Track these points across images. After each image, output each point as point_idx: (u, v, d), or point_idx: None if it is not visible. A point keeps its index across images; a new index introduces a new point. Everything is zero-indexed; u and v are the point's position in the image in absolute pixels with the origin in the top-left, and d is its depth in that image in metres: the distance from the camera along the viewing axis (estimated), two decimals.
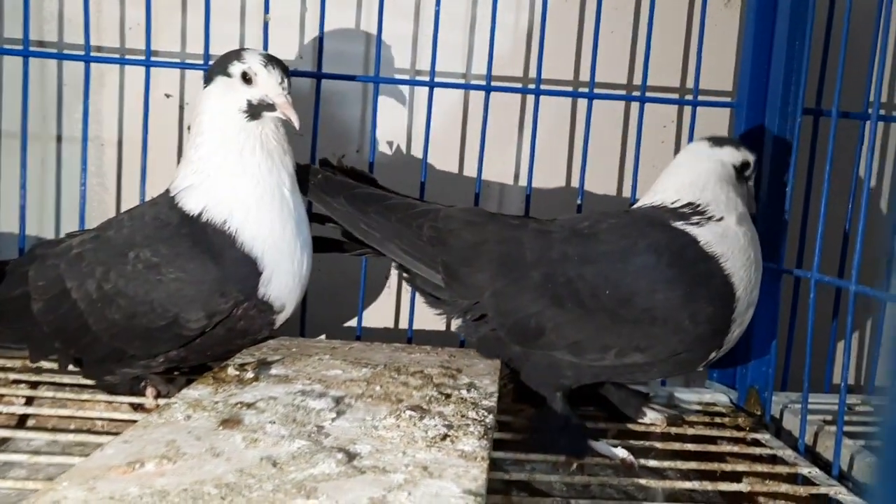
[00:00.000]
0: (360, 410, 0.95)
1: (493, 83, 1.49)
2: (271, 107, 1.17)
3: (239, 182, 1.17)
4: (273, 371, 1.10)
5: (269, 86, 1.17)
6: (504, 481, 1.08)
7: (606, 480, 1.10)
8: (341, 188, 1.29)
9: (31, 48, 1.46)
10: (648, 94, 1.51)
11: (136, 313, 1.14)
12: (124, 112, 1.58)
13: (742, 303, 1.18)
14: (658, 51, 1.52)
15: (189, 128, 1.57)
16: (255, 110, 1.17)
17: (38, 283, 1.20)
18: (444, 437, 0.88)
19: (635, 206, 1.31)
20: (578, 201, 1.52)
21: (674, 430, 1.25)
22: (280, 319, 1.21)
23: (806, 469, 1.15)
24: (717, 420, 1.33)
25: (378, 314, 1.63)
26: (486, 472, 0.80)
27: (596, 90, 1.50)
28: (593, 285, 1.15)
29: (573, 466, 1.11)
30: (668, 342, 1.15)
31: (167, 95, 1.58)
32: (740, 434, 1.27)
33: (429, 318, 1.38)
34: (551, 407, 1.19)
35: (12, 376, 1.28)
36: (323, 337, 1.56)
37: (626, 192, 1.58)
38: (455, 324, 1.28)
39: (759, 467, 1.16)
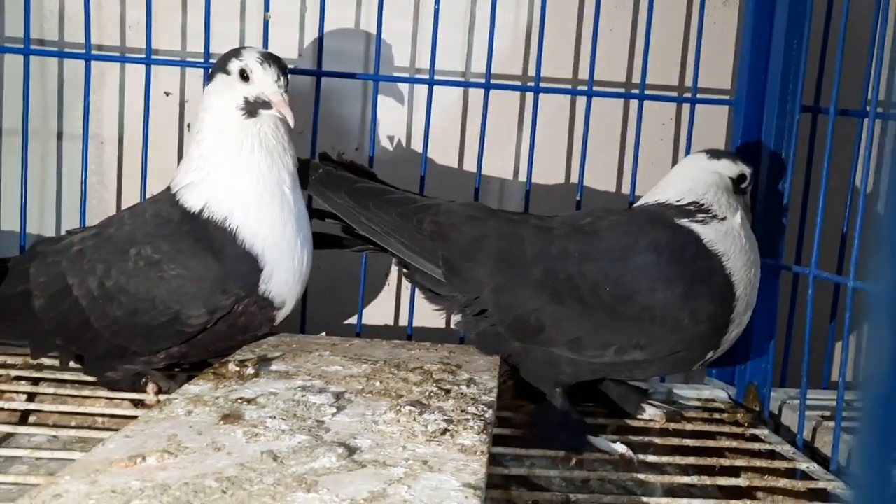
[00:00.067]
0: (360, 406, 0.96)
1: (493, 81, 1.49)
2: (267, 104, 1.18)
3: (239, 180, 1.17)
4: (273, 367, 1.10)
5: (265, 83, 1.17)
6: (504, 476, 1.09)
7: (605, 475, 1.10)
8: (342, 182, 1.30)
9: (32, 46, 1.47)
10: (647, 92, 1.51)
11: (138, 310, 1.14)
12: (125, 110, 1.59)
13: (741, 303, 1.18)
14: (657, 49, 1.53)
15: (189, 126, 1.57)
16: (251, 108, 1.18)
17: (40, 280, 1.20)
18: (444, 431, 0.88)
19: (637, 204, 1.31)
20: (578, 198, 1.52)
21: (673, 425, 1.26)
22: (280, 316, 1.22)
23: (804, 464, 1.16)
24: (716, 416, 1.34)
25: (378, 311, 1.64)
26: (486, 466, 0.81)
27: (595, 88, 1.50)
28: (594, 282, 1.15)
29: (572, 462, 1.12)
30: (668, 340, 1.15)
31: (167, 94, 1.58)
32: (739, 430, 1.27)
33: (428, 316, 1.38)
34: (551, 403, 1.19)
35: (14, 373, 1.29)
36: (323, 334, 1.57)
37: (625, 189, 1.59)
38: (455, 319, 1.29)
39: (758, 462, 1.16)
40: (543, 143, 1.55)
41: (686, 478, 1.10)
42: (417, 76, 1.59)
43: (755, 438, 1.25)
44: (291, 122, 1.18)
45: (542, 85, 1.50)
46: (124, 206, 1.55)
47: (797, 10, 1.34)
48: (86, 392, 1.23)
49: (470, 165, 1.61)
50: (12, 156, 1.52)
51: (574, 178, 1.61)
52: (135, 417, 1.01)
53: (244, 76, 1.18)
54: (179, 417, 0.90)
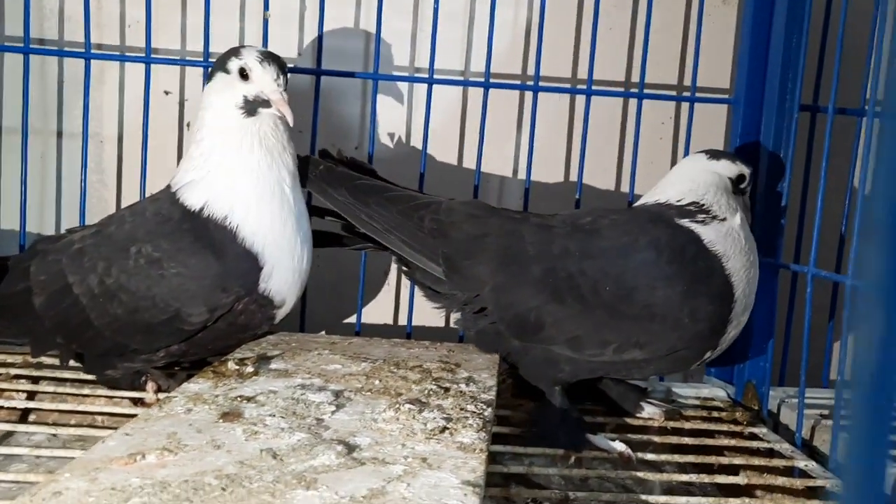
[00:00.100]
0: (359, 404, 0.96)
1: (492, 80, 1.49)
2: (267, 103, 1.18)
3: (239, 178, 1.17)
4: (273, 365, 1.10)
5: (264, 82, 1.17)
6: (503, 474, 1.09)
7: (604, 474, 1.10)
8: (343, 179, 1.30)
9: (32, 45, 1.47)
10: (646, 91, 1.52)
11: (138, 308, 1.15)
12: (124, 109, 1.59)
13: (739, 304, 1.19)
14: (656, 48, 1.53)
15: (188, 125, 1.57)
16: (251, 106, 1.18)
17: (40, 278, 1.20)
18: (443, 429, 0.88)
19: (637, 204, 1.32)
20: (577, 196, 1.52)
21: (672, 424, 1.26)
22: (280, 314, 1.22)
23: (802, 462, 1.16)
24: (715, 414, 1.34)
25: (377, 310, 1.64)
26: (485, 463, 0.81)
27: (594, 87, 1.51)
28: (594, 280, 1.15)
29: (571, 460, 1.12)
30: (667, 339, 1.15)
31: (167, 92, 1.58)
32: (738, 428, 1.27)
33: (427, 314, 1.39)
34: (550, 401, 1.19)
35: (13, 371, 1.29)
36: (322, 333, 1.57)
37: (625, 188, 1.59)
38: (454, 317, 1.29)
39: (757, 461, 1.16)
40: (542, 142, 1.56)
41: (685, 476, 1.10)
42: (417, 75, 1.59)
43: (754, 437, 1.26)
44: (291, 121, 1.18)
45: (541, 84, 1.50)
46: (124, 204, 1.56)
47: (796, 9, 1.35)
48: (85, 391, 1.23)
49: (469, 164, 1.61)
50: (12, 154, 1.52)
51: (573, 177, 1.61)
52: (134, 416, 1.01)
53: (244, 75, 1.18)
54: (179, 415, 0.90)
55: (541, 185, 1.61)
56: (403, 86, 1.60)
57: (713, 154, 1.30)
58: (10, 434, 1.17)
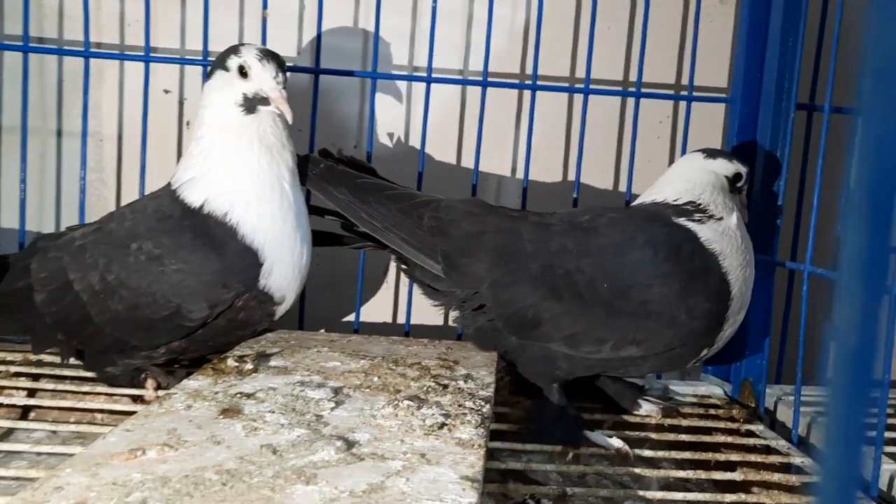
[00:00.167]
0: (358, 400, 0.97)
1: (490, 79, 1.50)
2: (266, 101, 1.18)
3: (239, 176, 1.18)
4: (272, 363, 1.11)
5: (263, 79, 1.18)
6: (500, 471, 1.09)
7: (602, 470, 1.11)
8: (343, 178, 1.30)
9: (31, 44, 1.47)
10: (644, 90, 1.52)
11: (139, 304, 1.15)
12: (123, 107, 1.59)
13: (736, 302, 1.19)
14: (653, 47, 1.53)
15: (188, 123, 1.58)
16: (250, 104, 1.18)
17: (41, 276, 1.21)
18: (442, 425, 0.89)
19: (635, 203, 1.32)
20: (575, 195, 1.53)
21: (669, 421, 1.27)
22: (280, 311, 1.23)
23: (799, 459, 1.17)
24: (712, 412, 1.34)
25: (376, 308, 1.65)
26: (483, 459, 0.81)
27: (592, 86, 1.51)
28: (591, 278, 1.16)
29: (569, 456, 1.12)
30: (664, 336, 1.16)
31: (166, 91, 1.59)
32: (734, 425, 1.28)
33: (426, 312, 1.39)
34: (547, 398, 1.20)
35: (14, 369, 1.29)
36: (322, 330, 1.57)
37: (622, 187, 1.60)
38: (453, 315, 1.29)
39: (753, 457, 1.17)
40: (540, 141, 1.56)
41: (681, 472, 1.11)
42: (415, 74, 1.60)
43: (750, 434, 1.26)
44: (290, 119, 1.18)
45: (539, 83, 1.51)
46: (123, 203, 1.55)
47: (793, 9, 1.35)
48: (85, 388, 1.24)
49: (468, 162, 1.62)
50: (11, 153, 1.52)
51: (571, 176, 1.62)
52: (134, 413, 1.02)
53: (243, 73, 1.18)
54: (179, 412, 0.91)
55: (539, 184, 1.61)
56: (402, 85, 1.60)
57: (710, 153, 1.31)
58: (10, 431, 1.18)
